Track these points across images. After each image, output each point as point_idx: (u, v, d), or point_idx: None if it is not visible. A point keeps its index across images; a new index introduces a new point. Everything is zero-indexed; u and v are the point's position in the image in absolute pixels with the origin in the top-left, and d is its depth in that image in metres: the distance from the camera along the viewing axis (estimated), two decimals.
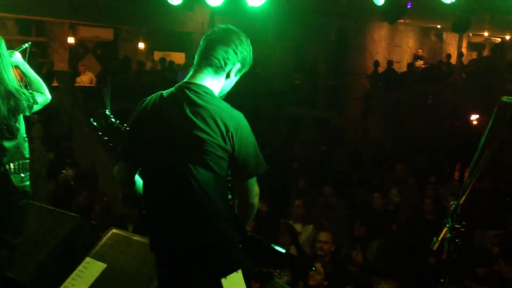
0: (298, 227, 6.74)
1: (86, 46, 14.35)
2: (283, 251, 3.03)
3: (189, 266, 2.68)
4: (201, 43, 2.66)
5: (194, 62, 2.67)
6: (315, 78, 14.35)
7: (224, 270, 2.64)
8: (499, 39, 20.69)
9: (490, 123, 2.17)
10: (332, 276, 5.48)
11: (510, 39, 20.08)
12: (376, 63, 14.63)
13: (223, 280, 2.63)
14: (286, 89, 13.13)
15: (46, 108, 4.04)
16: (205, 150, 2.51)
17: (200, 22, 11.73)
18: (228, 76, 2.67)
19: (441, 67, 16.62)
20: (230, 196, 2.77)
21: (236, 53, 2.62)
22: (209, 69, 2.63)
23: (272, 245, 3.01)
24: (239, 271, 2.67)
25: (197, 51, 2.66)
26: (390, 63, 14.74)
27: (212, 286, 2.63)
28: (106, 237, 3.98)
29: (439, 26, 17.74)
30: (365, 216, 7.00)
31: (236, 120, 2.56)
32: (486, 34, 19.18)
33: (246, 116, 2.61)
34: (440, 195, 7.60)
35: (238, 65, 2.66)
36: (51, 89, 12.28)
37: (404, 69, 16.32)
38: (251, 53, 2.70)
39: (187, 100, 2.57)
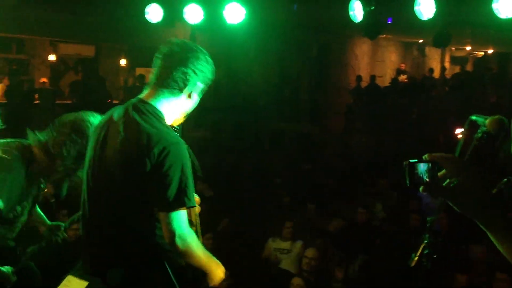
0: (286, 245, 6.70)
1: (67, 63, 14.26)
2: None
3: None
4: (157, 61, 2.56)
5: (151, 81, 2.58)
6: (298, 93, 14.36)
7: None
8: (482, 53, 20.89)
9: (461, 141, 2.13)
10: None
11: (492, 53, 20.28)
12: (359, 78, 14.68)
13: None
14: (269, 104, 13.11)
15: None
16: (131, 165, 2.43)
17: (181, 39, 11.68)
18: (189, 96, 2.58)
19: (424, 81, 16.72)
20: None
21: (195, 73, 2.54)
22: (165, 91, 2.55)
23: None
24: None
25: (155, 70, 2.57)
26: (372, 77, 14.80)
27: None
28: None
29: (421, 41, 17.88)
30: (349, 231, 6.96)
31: (168, 142, 2.40)
32: (468, 48, 19.35)
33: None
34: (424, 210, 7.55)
35: (200, 85, 2.59)
36: (33, 107, 12.11)
37: (387, 83, 16.40)
38: (211, 68, 2.61)
39: (129, 119, 2.49)
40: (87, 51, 14.24)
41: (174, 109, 2.59)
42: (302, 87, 14.59)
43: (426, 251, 2.30)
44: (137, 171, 2.40)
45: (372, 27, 8.02)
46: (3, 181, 2.98)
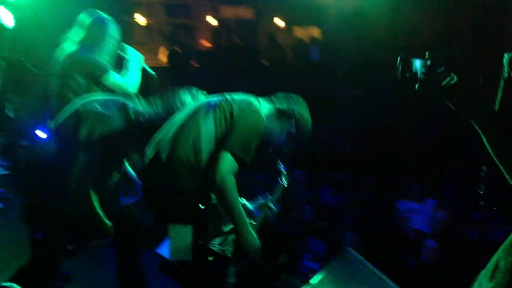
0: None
1: (228, 25, 14.72)
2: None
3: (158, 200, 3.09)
4: None
5: None
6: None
7: (175, 219, 2.99)
8: None
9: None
10: None
11: None
12: None
13: (171, 227, 2.98)
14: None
15: None
16: (220, 104, 3.11)
17: None
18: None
19: None
20: None
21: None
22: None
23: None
24: (189, 226, 2.94)
25: None
26: None
27: (163, 228, 3.05)
28: None
29: None
30: None
31: (255, 110, 3.11)
32: None
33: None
34: None
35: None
36: (193, 70, 12.45)
37: None
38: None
39: None
40: (247, 12, 14.55)
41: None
42: None
43: None
44: (222, 112, 3.15)
45: None
46: (100, 134, 3.23)
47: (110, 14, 4.44)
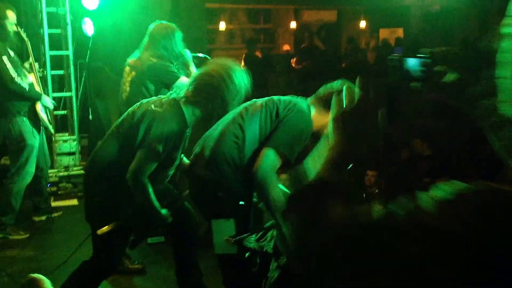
0: None
1: (310, 29, 14.64)
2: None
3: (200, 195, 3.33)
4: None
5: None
6: None
7: (217, 213, 3.11)
8: None
9: None
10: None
11: None
12: None
13: (213, 221, 3.09)
14: None
15: None
16: (266, 105, 3.21)
17: None
18: None
19: None
20: None
21: None
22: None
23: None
24: (231, 220, 3.04)
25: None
26: None
27: (208, 222, 3.20)
28: None
29: None
30: None
31: (301, 110, 3.15)
32: None
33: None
34: None
35: None
36: (270, 72, 12.61)
37: None
38: None
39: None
40: (329, 16, 14.37)
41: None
42: None
43: None
44: (272, 111, 3.24)
45: None
46: (160, 131, 3.28)
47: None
